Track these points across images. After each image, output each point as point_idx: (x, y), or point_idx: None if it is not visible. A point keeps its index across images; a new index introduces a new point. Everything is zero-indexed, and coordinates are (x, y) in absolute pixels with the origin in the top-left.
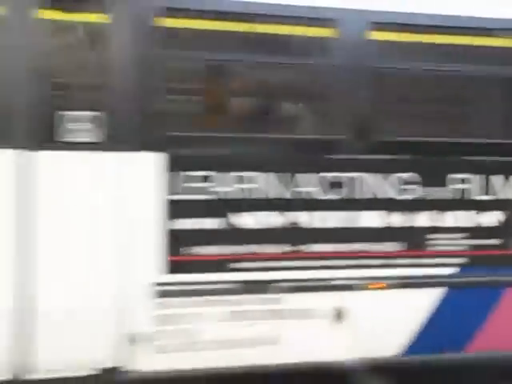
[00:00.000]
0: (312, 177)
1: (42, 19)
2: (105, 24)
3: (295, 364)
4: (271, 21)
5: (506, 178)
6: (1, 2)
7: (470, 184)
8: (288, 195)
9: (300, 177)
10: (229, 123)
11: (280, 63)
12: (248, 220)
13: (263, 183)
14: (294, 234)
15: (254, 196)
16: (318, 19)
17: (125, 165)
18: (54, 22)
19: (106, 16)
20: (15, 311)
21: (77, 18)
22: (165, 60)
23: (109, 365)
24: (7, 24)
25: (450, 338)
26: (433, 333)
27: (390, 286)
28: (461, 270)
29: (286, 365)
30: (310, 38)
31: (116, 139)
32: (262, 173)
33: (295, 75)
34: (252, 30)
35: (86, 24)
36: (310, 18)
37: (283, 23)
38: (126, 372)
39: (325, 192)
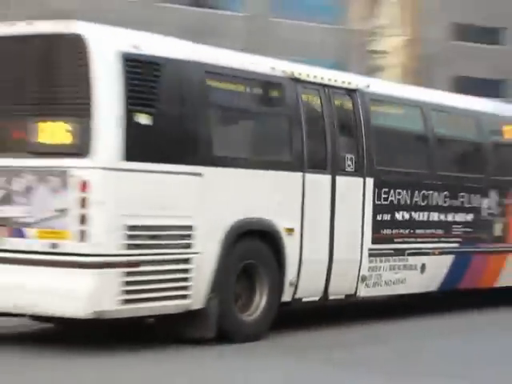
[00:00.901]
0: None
1: None
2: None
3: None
4: None
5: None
6: None
7: (467, 198)
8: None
9: (421, 193)
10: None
11: None
12: (402, 216)
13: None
14: (414, 224)
15: (398, 202)
16: None
17: (357, 183)
18: None
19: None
20: (325, 261)
21: None
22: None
23: (350, 293)
24: None
25: (454, 279)
26: (450, 275)
27: (444, 253)
28: (458, 245)
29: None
30: None
31: (357, 170)
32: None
33: None
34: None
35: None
36: None
37: None
38: (357, 297)
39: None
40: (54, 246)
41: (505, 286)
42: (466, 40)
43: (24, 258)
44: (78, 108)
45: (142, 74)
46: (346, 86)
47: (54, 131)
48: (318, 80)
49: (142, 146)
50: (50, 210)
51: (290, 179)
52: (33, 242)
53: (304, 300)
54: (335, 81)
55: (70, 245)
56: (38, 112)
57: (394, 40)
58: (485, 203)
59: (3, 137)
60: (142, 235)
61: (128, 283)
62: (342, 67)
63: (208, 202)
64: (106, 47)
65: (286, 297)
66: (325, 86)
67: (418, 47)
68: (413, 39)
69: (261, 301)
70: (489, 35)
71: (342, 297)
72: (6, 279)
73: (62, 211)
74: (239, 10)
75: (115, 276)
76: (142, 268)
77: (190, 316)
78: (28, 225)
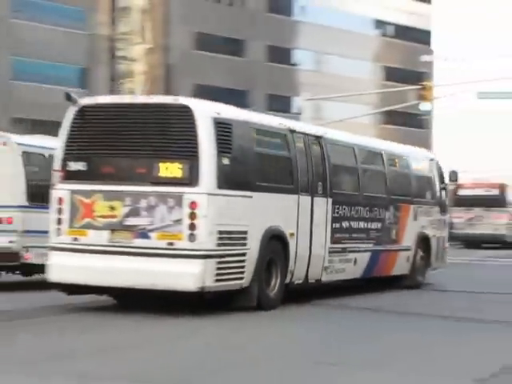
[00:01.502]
0: (357, 208)
1: None
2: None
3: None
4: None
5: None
6: None
7: (378, 212)
8: (356, 215)
9: (354, 208)
10: (354, 189)
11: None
12: (346, 224)
13: (354, 211)
14: (350, 230)
15: (344, 214)
16: None
17: (323, 202)
18: None
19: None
20: (307, 255)
21: None
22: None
23: (318, 278)
24: None
25: (370, 269)
26: (368, 266)
27: (366, 251)
28: (372, 245)
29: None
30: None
31: (323, 193)
32: (355, 207)
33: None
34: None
35: None
36: None
37: None
38: (321, 281)
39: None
40: (170, 244)
41: (397, 274)
42: (208, 50)
43: (149, 252)
44: (188, 154)
45: (222, 131)
46: (315, 133)
47: (171, 169)
48: (302, 130)
49: (225, 179)
50: (168, 220)
51: (292, 199)
52: (154, 241)
53: (295, 283)
54: (310, 130)
55: (182, 243)
56: (160, 156)
57: (139, 47)
58: (386, 215)
59: (132, 171)
60: (225, 237)
61: (218, 269)
62: (89, 72)
63: (254, 215)
64: (203, 114)
65: (287, 280)
66: (305, 134)
67: (161, 55)
68: (156, 47)
69: (276, 282)
70: (231, 46)
71: (314, 281)
72: (140, 266)
73: (177, 221)
74: None
75: (212, 264)
76: (225, 259)
77: (240, 292)
78: (151, 230)
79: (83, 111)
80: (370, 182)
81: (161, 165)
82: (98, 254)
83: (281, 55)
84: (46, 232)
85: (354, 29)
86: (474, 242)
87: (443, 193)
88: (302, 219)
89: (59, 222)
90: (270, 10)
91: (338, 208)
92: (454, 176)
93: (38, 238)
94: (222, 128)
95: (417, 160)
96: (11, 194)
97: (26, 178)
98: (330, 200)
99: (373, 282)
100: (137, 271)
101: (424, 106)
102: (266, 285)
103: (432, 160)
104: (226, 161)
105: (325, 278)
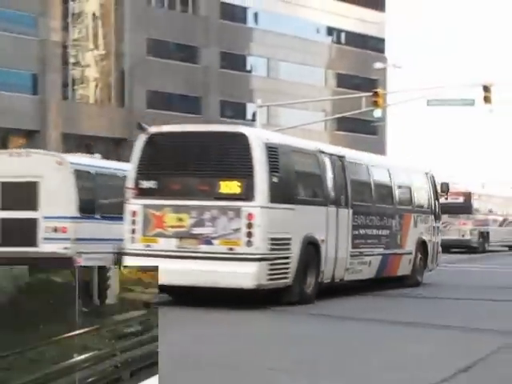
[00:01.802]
0: (371, 217)
1: None
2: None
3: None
4: None
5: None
6: None
7: (386, 220)
8: (370, 223)
9: (369, 217)
10: (368, 201)
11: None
12: (363, 231)
13: (369, 219)
14: (366, 236)
15: (361, 223)
16: None
17: (346, 212)
18: None
19: None
20: (334, 258)
21: None
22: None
23: (341, 278)
24: None
25: (381, 271)
26: (379, 268)
27: (378, 254)
28: (383, 250)
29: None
30: None
31: (346, 204)
32: (370, 217)
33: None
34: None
35: None
36: None
37: None
38: (344, 280)
39: (373, 222)
40: (230, 249)
41: (401, 274)
42: (161, 56)
43: (213, 256)
44: (244, 173)
45: (271, 153)
46: (338, 153)
47: (230, 186)
48: (328, 151)
49: (274, 194)
50: (229, 229)
51: (322, 211)
52: (216, 247)
53: (325, 281)
54: (334, 150)
55: (241, 248)
56: (220, 175)
57: (92, 54)
58: (393, 223)
59: (196, 189)
60: (274, 243)
61: (270, 269)
62: (41, 78)
63: (296, 224)
64: (257, 140)
65: (319, 279)
66: (331, 154)
67: (114, 61)
68: (109, 54)
69: (311, 281)
70: (184, 53)
71: (338, 280)
72: (205, 268)
73: (236, 230)
74: None
75: (265, 266)
76: (275, 261)
77: (284, 289)
78: (214, 238)
79: (152, 138)
80: (380, 194)
81: (221, 183)
82: (168, 258)
83: (234, 62)
84: (94, 239)
85: (307, 36)
86: (443, 247)
87: (437, 202)
88: (330, 227)
89: (133, 231)
90: (224, 17)
91: (357, 217)
92: (445, 187)
93: (87, 245)
94: (271, 151)
95: (416, 173)
96: (65, 206)
97: (78, 192)
98: (350, 211)
99: (380, 282)
100: (202, 272)
101: (377, 113)
102: (304, 283)
103: (427, 173)
104: (274, 179)
105: (347, 278)
